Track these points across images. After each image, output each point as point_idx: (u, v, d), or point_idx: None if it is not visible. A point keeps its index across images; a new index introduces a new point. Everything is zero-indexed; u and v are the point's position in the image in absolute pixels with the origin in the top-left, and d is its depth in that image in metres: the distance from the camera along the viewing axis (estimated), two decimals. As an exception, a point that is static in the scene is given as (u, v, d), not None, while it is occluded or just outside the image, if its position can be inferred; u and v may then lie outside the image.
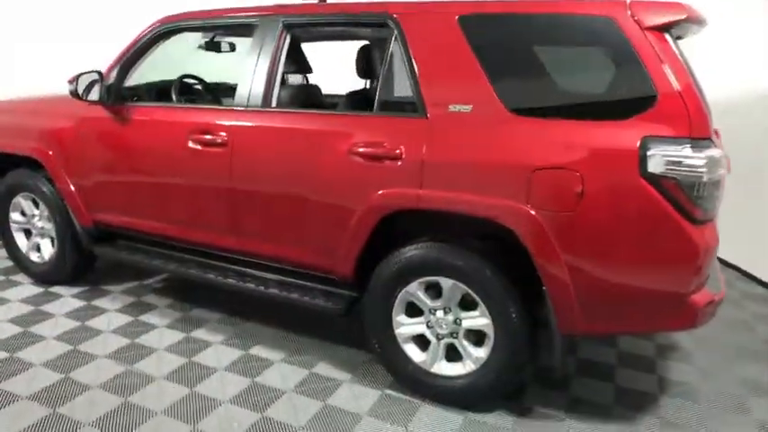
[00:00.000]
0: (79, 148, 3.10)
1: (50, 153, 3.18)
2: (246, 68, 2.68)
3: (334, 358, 2.79)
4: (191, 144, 2.73)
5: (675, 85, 1.95)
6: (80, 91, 2.90)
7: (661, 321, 2.12)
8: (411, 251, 2.34)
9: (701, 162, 1.90)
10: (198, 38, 3.57)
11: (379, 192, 2.30)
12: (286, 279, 2.74)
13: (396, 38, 2.37)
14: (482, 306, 2.27)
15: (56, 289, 3.48)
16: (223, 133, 2.65)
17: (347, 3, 2.53)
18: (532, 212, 2.05)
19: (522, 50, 2.20)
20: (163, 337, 2.95)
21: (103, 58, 3.15)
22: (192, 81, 3.59)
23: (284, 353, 2.83)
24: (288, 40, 2.67)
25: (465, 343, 2.37)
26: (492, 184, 2.11)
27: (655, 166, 1.92)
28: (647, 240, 1.98)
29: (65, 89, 3.03)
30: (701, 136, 1.94)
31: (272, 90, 2.63)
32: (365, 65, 2.98)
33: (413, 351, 2.48)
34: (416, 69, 2.30)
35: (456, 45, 2.24)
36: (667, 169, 1.91)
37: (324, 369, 2.70)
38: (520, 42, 2.20)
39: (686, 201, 1.92)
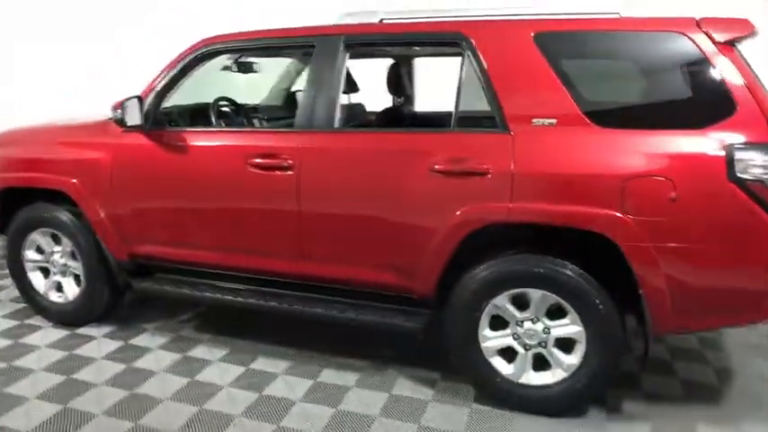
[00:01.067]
0: (116, 178, 2.93)
1: (81, 185, 3.00)
2: (308, 89, 2.65)
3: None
4: (251, 168, 2.65)
5: (751, 93, 2.10)
6: (127, 118, 2.76)
7: (747, 315, 2.25)
8: (499, 264, 2.37)
9: None
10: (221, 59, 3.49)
11: (466, 207, 2.32)
12: (359, 302, 2.70)
13: (469, 56, 2.42)
14: (573, 314, 2.33)
15: (83, 330, 3.25)
16: (288, 156, 2.59)
17: (416, 22, 2.56)
18: (628, 219, 2.14)
19: (598, 65, 2.30)
20: (224, 372, 2.82)
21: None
22: (225, 103, 3.48)
23: (359, 375, 2.78)
24: (347, 60, 2.65)
25: (555, 351, 2.42)
26: (586, 195, 2.18)
27: (741, 170, 2.05)
28: (736, 240, 2.11)
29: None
30: (780, 140, 2.09)
31: (336, 110, 2.60)
32: (396, 82, 2.99)
33: (500, 364, 2.50)
34: (494, 86, 2.35)
35: (533, 62, 2.31)
36: (753, 173, 2.05)
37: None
38: (596, 58, 2.30)
39: None
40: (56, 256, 3.26)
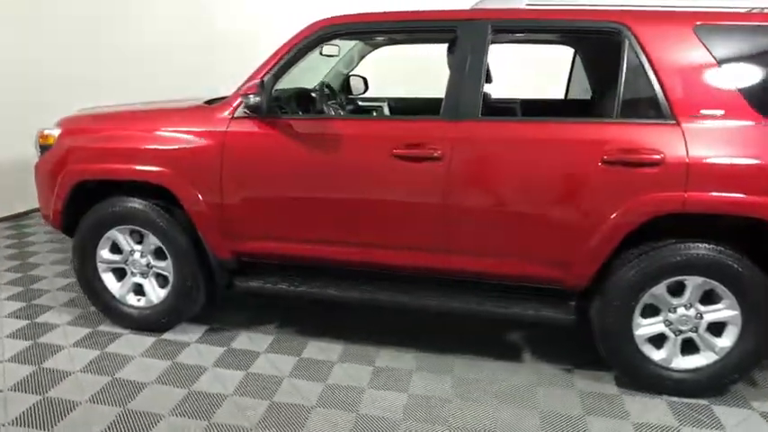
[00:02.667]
0: (227, 169, 2.68)
1: (184, 178, 2.71)
2: (453, 76, 2.53)
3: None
4: (395, 159, 2.51)
5: None
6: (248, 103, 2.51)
7: None
8: (663, 253, 2.40)
9: None
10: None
11: (640, 198, 2.33)
12: (502, 294, 2.65)
13: (630, 46, 2.42)
14: (731, 299, 2.41)
15: (172, 336, 2.97)
16: (438, 146, 2.48)
17: (574, 9, 2.51)
18: (802, 207, 2.24)
19: (761, 58, 2.37)
20: (352, 373, 2.68)
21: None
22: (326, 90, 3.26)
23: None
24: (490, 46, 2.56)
25: (707, 335, 2.50)
26: (756, 185, 2.26)
27: None
28: None
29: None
30: None
31: (480, 99, 2.52)
32: None
33: (651, 350, 2.55)
34: (660, 77, 2.37)
35: (698, 53, 2.35)
36: None
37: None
38: (758, 50, 2.37)
39: None
40: (136, 256, 2.94)
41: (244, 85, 2.70)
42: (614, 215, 2.37)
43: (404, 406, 2.43)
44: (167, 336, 2.96)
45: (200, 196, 2.72)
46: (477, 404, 2.47)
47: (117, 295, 3.00)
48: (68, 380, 2.55)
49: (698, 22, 2.37)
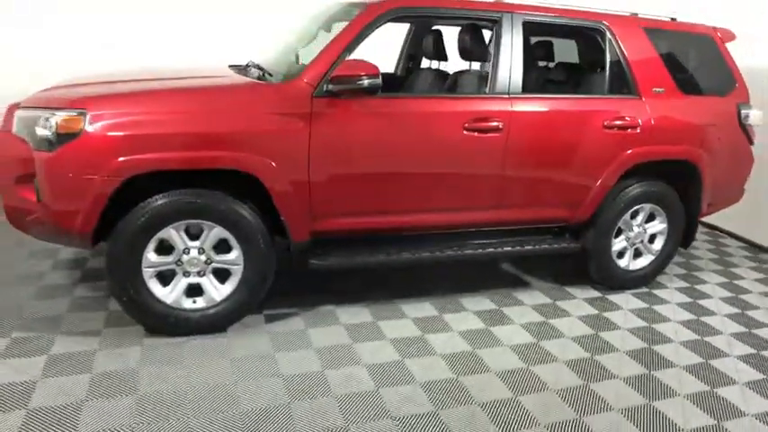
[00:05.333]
0: (316, 150, 2.64)
1: (272, 162, 2.56)
2: (501, 58, 3.01)
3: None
4: (466, 132, 2.90)
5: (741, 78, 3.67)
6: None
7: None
8: (632, 190, 3.39)
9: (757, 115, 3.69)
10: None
11: (629, 151, 3.26)
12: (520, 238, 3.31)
13: (610, 40, 3.27)
14: (662, 216, 3.58)
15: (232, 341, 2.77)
16: (499, 119, 2.96)
17: (571, 9, 3.22)
18: (705, 153, 3.47)
19: (679, 52, 3.49)
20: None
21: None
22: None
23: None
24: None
25: (642, 244, 3.65)
26: (687, 138, 3.41)
27: (744, 117, 3.62)
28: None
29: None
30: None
31: (521, 77, 3.07)
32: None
33: (618, 260, 3.58)
34: (630, 63, 3.29)
35: (648, 47, 3.35)
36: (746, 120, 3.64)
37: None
38: (678, 47, 3.49)
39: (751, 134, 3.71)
40: (193, 253, 2.64)
41: (311, 64, 2.68)
42: (612, 165, 3.26)
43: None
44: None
45: (286, 179, 2.62)
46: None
47: (169, 302, 2.65)
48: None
49: (645, 26, 3.37)
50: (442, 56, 3.59)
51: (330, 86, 2.62)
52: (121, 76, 2.94)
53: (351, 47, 2.73)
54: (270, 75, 2.92)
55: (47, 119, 2.37)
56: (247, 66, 3.34)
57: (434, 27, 3.78)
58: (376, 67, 2.58)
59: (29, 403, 2.17)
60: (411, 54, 4.37)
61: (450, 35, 3.71)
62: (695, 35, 3.57)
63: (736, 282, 3.95)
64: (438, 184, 2.96)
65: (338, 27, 3.15)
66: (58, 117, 2.36)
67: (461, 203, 3.07)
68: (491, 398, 2.43)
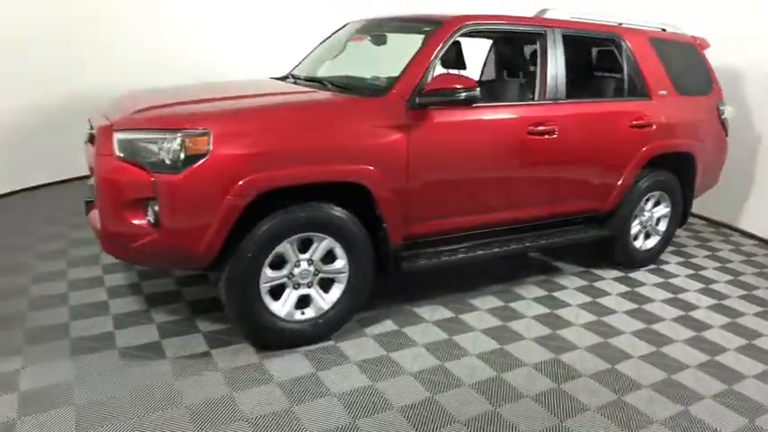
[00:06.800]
0: (414, 159, 2.80)
1: (378, 173, 2.69)
2: (549, 68, 3.35)
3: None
4: (529, 136, 3.20)
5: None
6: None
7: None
8: (651, 178, 3.88)
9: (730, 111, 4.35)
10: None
11: (648, 146, 3.73)
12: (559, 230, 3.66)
13: (625, 50, 3.73)
14: (667, 201, 4.12)
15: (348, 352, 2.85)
16: (553, 123, 3.29)
17: (589, 23, 3.64)
18: (699, 144, 4.05)
19: (672, 58, 4.03)
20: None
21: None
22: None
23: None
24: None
25: (651, 226, 4.17)
26: (686, 132, 3.96)
27: (722, 114, 4.26)
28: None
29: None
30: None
31: (565, 85, 3.43)
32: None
33: (636, 242, 4.07)
34: (641, 69, 3.77)
35: (653, 55, 3.85)
36: (723, 115, 4.28)
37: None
38: (671, 53, 4.02)
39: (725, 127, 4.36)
40: (304, 265, 2.70)
41: (401, 78, 2.85)
42: (635, 159, 3.71)
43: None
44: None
45: (388, 187, 2.75)
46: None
47: (283, 315, 2.68)
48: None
49: (649, 37, 3.87)
50: (461, 65, 3.87)
51: (425, 98, 2.80)
52: (198, 93, 2.92)
53: (434, 60, 2.92)
54: (347, 89, 3.04)
55: (170, 141, 2.34)
56: (288, 77, 3.43)
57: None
58: (473, 80, 2.79)
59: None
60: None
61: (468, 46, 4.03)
62: (682, 43, 4.14)
63: (717, 254, 4.61)
64: (509, 183, 3.23)
65: (397, 40, 3.34)
66: (185, 138, 2.33)
67: (524, 200, 3.36)
68: (539, 389, 2.56)
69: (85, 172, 3.30)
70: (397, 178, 2.79)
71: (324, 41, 4.09)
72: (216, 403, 2.31)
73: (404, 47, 3.23)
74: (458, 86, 2.75)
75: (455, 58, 3.80)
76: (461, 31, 3.04)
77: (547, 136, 3.28)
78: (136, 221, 2.42)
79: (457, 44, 3.85)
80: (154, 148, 2.37)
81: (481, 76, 4.83)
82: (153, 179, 2.35)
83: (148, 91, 3.18)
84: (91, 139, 2.81)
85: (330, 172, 2.58)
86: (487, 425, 2.29)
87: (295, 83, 3.48)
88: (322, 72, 3.74)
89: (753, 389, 2.68)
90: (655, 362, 2.86)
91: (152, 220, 2.40)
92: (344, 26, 4.05)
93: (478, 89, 2.78)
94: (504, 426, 2.29)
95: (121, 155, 2.44)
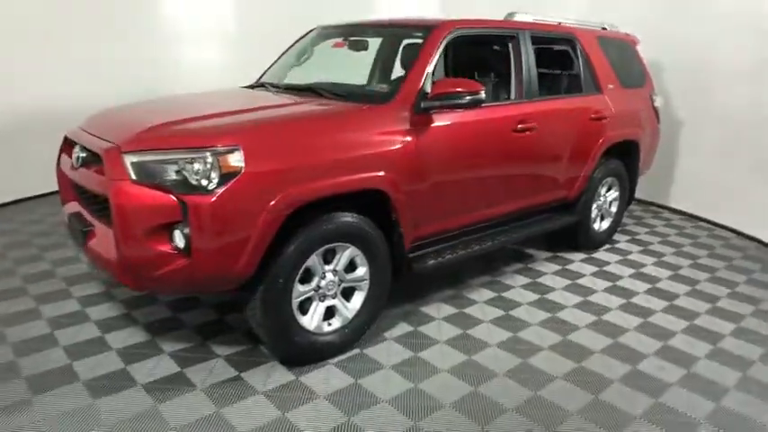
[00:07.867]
0: (421, 163, 2.86)
1: (393, 179, 2.73)
2: (523, 68, 3.56)
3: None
4: (513, 133, 3.40)
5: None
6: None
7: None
8: (607, 166, 4.26)
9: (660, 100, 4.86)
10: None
11: (604, 136, 4.09)
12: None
13: (579, 49, 4.05)
14: (615, 185, 4.54)
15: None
16: (533, 120, 3.51)
17: (550, 24, 3.92)
18: (643, 131, 4.49)
19: (615, 54, 4.42)
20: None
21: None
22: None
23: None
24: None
25: (605, 206, 4.58)
26: (632, 122, 4.38)
27: (654, 103, 4.75)
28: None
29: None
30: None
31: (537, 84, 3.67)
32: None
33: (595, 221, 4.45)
34: (594, 67, 4.12)
35: (600, 52, 4.22)
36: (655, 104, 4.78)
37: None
38: (613, 50, 4.41)
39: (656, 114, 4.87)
40: (329, 276, 2.68)
41: (404, 84, 2.91)
42: (595, 149, 4.06)
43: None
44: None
45: (403, 192, 2.80)
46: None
47: (312, 328, 2.65)
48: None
49: (597, 35, 4.24)
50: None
51: (430, 103, 2.88)
52: (195, 107, 2.78)
53: (430, 65, 3.01)
54: (346, 96, 3.04)
55: (199, 160, 2.22)
56: (265, 86, 3.41)
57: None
58: (478, 84, 2.91)
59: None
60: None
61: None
62: (620, 40, 4.57)
63: (655, 230, 5.14)
64: (499, 180, 3.41)
65: (377, 45, 3.39)
66: (217, 157, 2.23)
67: (510, 195, 3.56)
68: (566, 369, 2.74)
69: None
70: (408, 182, 2.84)
71: (290, 48, 4.03)
72: (271, 428, 2.25)
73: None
74: (461, 90, 2.86)
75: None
76: (451, 37, 3.15)
77: (528, 132, 3.50)
78: (161, 248, 2.28)
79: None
80: (178, 168, 2.25)
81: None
82: (181, 201, 2.23)
83: (137, 105, 2.98)
84: (84, 163, 2.59)
85: (355, 181, 2.59)
86: (537, 408, 2.44)
87: (282, 92, 3.40)
88: (297, 80, 3.68)
89: (731, 345, 3.08)
90: (649, 332, 3.18)
91: (180, 245, 2.27)
92: (311, 31, 4.02)
93: (483, 92, 2.91)
94: (550, 405, 2.45)
95: (139, 179, 2.28)
